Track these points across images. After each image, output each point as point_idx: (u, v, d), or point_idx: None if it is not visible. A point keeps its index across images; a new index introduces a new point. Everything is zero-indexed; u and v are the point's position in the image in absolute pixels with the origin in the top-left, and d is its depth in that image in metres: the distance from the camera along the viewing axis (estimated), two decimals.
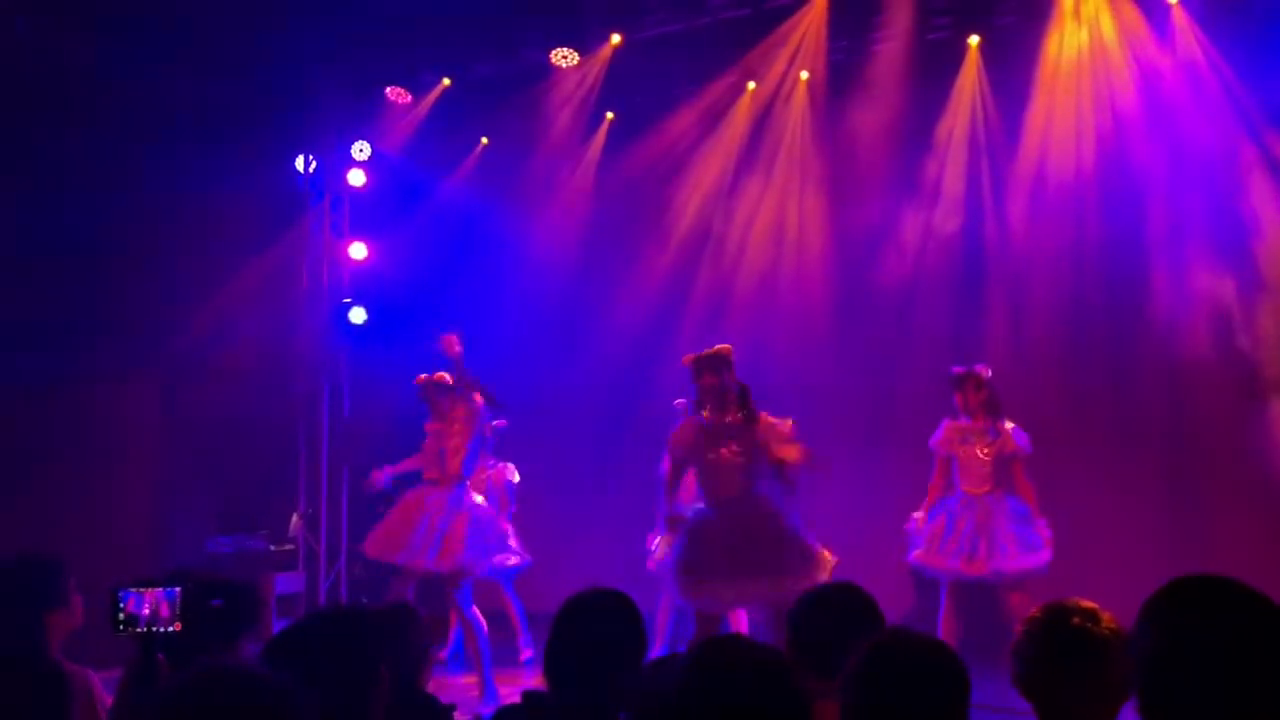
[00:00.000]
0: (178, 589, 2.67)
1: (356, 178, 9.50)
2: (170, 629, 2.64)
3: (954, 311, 8.03)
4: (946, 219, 8.10)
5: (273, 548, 9.32)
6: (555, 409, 8.05)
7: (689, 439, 5.36)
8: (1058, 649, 2.31)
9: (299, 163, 9.67)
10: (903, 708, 2.10)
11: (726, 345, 5.40)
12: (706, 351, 5.41)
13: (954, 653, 2.19)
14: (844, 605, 2.80)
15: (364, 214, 9.67)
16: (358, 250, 9.54)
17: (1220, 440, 7.00)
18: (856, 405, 7.81)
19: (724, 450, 5.24)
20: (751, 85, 8.66)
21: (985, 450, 6.21)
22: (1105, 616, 2.35)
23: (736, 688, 1.75)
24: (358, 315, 9.51)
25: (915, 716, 2.09)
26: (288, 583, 9.00)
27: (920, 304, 8.14)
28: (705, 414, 5.35)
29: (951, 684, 2.14)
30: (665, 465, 5.73)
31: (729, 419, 5.29)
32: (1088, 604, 2.39)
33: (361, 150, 9.45)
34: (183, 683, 1.55)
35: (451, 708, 3.44)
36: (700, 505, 5.39)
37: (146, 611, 2.65)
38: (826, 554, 5.12)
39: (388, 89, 9.09)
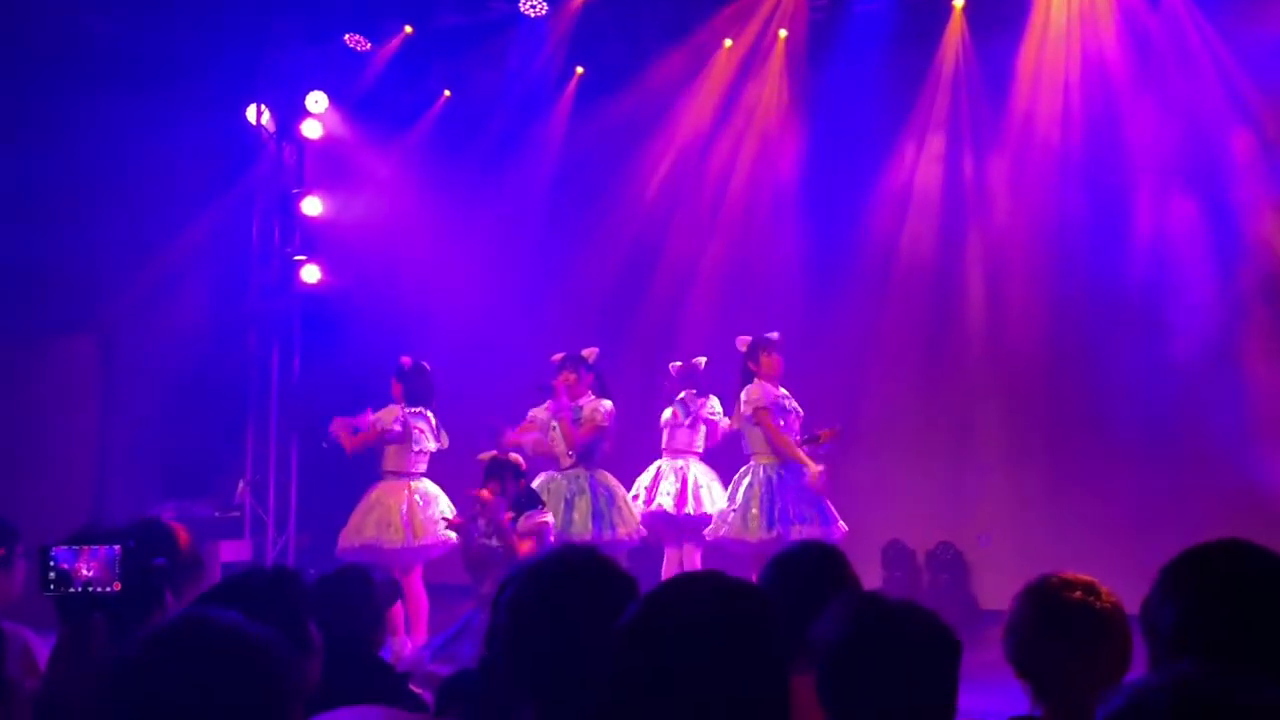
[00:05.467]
0: (117, 546, 2.46)
1: (312, 129, 9.09)
2: (109, 589, 2.43)
3: (934, 274, 7.87)
4: (926, 183, 7.93)
5: (218, 514, 8.96)
6: (522, 369, 7.74)
7: None
8: (1060, 625, 2.25)
9: (251, 113, 9.23)
10: (889, 678, 1.87)
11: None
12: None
13: (938, 616, 1.96)
14: (814, 568, 2.57)
15: (319, 167, 9.26)
16: (312, 205, 9.13)
17: (1200, 422, 6.87)
18: (829, 369, 7.63)
19: None
20: (728, 42, 8.39)
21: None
22: (1104, 591, 2.31)
23: (696, 612, 1.48)
24: (311, 273, 9.11)
25: (903, 687, 1.87)
26: (233, 550, 8.66)
27: (898, 266, 7.96)
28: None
29: (942, 650, 1.92)
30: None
31: None
32: (1085, 578, 2.33)
33: (317, 101, 9.03)
34: (157, 635, 1.46)
35: (406, 676, 3.35)
36: None
37: (83, 570, 2.42)
38: None
39: (346, 36, 8.68)
